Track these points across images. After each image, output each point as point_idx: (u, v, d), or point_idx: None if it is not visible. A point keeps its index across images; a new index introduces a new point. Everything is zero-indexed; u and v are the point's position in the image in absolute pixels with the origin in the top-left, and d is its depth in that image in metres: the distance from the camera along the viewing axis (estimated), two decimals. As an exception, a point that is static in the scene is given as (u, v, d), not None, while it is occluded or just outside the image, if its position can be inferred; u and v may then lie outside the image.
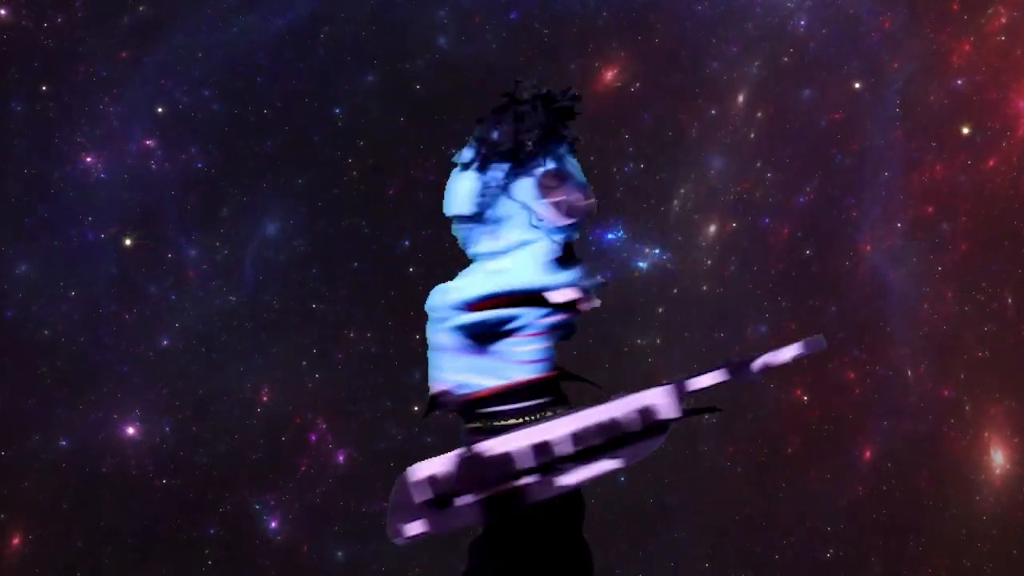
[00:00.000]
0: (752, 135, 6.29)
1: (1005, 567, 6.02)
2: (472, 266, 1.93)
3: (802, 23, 6.15)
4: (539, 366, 1.86)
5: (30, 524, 5.59)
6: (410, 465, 1.81)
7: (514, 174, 1.87)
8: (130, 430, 5.80)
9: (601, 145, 6.40)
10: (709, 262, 6.38)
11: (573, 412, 1.82)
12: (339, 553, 6.00)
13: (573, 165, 1.93)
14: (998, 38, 5.93)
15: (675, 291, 6.43)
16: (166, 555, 5.82)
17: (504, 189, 1.87)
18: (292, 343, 6.11)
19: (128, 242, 5.86)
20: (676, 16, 6.26)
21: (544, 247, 1.85)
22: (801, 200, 6.36)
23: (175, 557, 5.82)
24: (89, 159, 5.78)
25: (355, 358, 6.17)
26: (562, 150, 1.92)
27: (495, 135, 1.88)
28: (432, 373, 1.90)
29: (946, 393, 6.24)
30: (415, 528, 1.82)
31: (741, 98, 6.24)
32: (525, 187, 1.86)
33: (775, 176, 6.32)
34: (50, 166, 5.72)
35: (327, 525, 5.98)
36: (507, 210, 1.87)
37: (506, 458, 1.77)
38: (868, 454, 6.28)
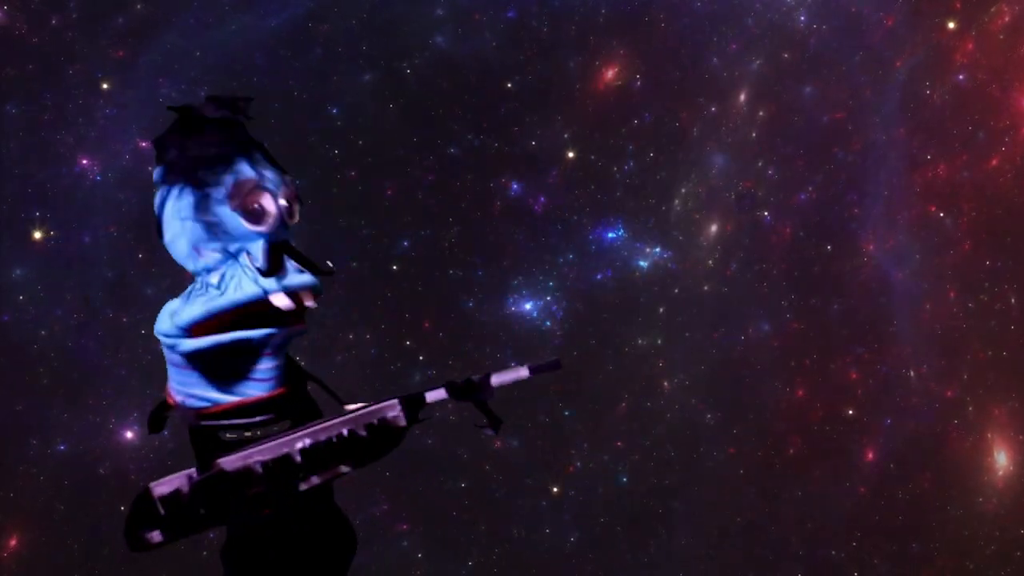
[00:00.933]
0: (753, 134, 6.30)
1: (1008, 568, 6.05)
2: (193, 284, 1.96)
3: (803, 20, 6.15)
4: (271, 383, 1.88)
5: (28, 527, 5.61)
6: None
7: (200, 191, 1.84)
8: (128, 434, 5.82)
9: (601, 144, 6.42)
10: (711, 261, 6.39)
11: (310, 426, 1.88)
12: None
13: (256, 170, 1.93)
14: (1000, 37, 5.95)
15: (676, 291, 6.45)
16: (164, 558, 5.85)
17: (197, 207, 1.86)
18: (291, 344, 6.11)
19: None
20: (676, 13, 6.27)
21: (252, 257, 1.84)
22: (803, 199, 6.37)
23: (173, 560, 5.85)
24: (85, 161, 5.79)
25: (354, 360, 6.20)
26: (241, 157, 1.92)
27: (173, 156, 1.85)
28: (169, 384, 1.90)
29: (949, 393, 6.27)
30: (155, 538, 1.87)
31: (742, 96, 6.25)
32: (215, 201, 1.84)
33: (777, 175, 6.33)
34: (46, 168, 5.73)
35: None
36: (206, 226, 1.85)
37: (244, 472, 1.83)
38: (870, 455, 6.30)
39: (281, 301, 1.81)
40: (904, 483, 6.23)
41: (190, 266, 1.87)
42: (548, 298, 6.47)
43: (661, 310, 6.44)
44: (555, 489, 6.35)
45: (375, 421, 1.88)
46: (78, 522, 5.65)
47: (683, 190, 6.42)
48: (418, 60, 6.26)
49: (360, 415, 1.88)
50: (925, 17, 6.02)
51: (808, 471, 6.26)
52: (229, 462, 1.82)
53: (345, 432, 1.86)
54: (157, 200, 1.87)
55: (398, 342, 6.24)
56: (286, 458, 1.83)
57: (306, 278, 1.86)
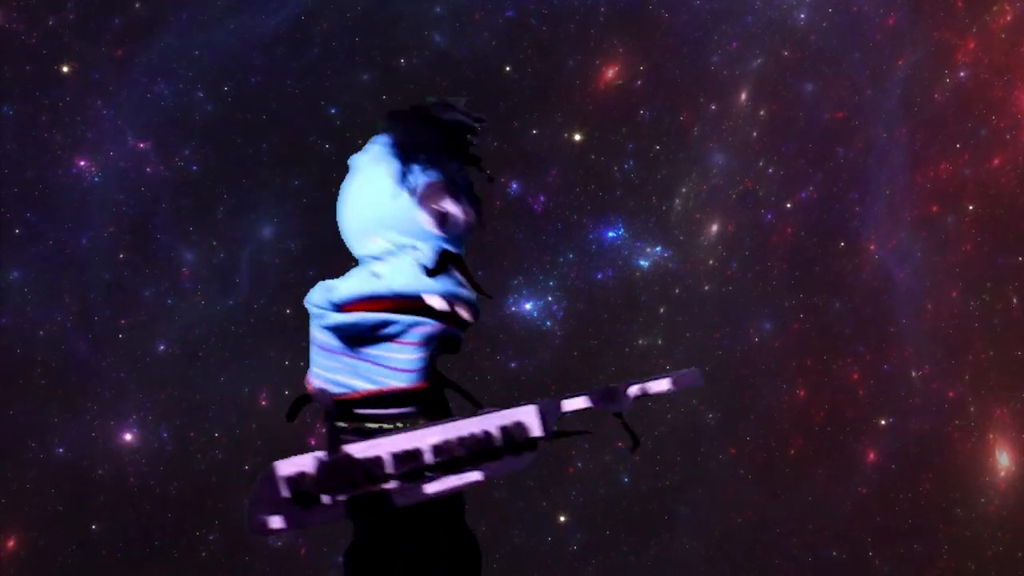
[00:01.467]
0: (755, 133, 6.32)
1: (1011, 570, 6.07)
2: (356, 267, 1.97)
3: (803, 18, 6.16)
4: (414, 375, 1.89)
5: (27, 532, 5.63)
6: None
7: (400, 179, 1.90)
8: (127, 436, 5.85)
9: (601, 142, 6.44)
10: (712, 261, 6.41)
11: (442, 423, 1.86)
12: (340, 559, 6.06)
13: (463, 181, 1.94)
14: (1002, 36, 5.97)
15: (677, 290, 6.47)
16: (165, 562, 5.87)
17: (388, 193, 1.90)
18: (290, 346, 6.15)
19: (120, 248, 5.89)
20: (676, 11, 6.28)
21: (421, 254, 1.89)
22: (805, 198, 6.39)
23: (174, 564, 5.88)
24: (82, 162, 5.80)
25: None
26: (454, 164, 1.93)
27: (399, 136, 1.92)
28: (311, 369, 1.92)
29: (951, 394, 6.29)
30: (276, 523, 1.84)
31: (743, 95, 6.27)
32: (408, 192, 1.90)
33: (778, 174, 6.35)
34: (42, 170, 5.74)
35: (328, 530, 6.03)
36: (388, 213, 1.91)
37: (373, 462, 1.82)
38: (872, 455, 6.33)
39: (436, 302, 1.84)
40: (906, 484, 6.25)
41: (357, 249, 1.94)
42: (548, 298, 6.49)
43: (662, 310, 6.46)
44: (556, 491, 6.38)
45: (509, 425, 1.84)
46: (78, 527, 5.67)
47: (684, 189, 6.43)
48: (416, 59, 6.27)
49: (493, 415, 1.85)
50: (926, 16, 6.04)
51: (810, 472, 6.29)
52: (358, 449, 1.82)
53: (478, 432, 1.83)
54: (353, 169, 1.94)
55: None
56: (416, 452, 1.82)
57: (465, 292, 1.89)
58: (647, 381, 1.92)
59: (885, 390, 6.34)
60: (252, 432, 6.01)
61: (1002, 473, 6.23)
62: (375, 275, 1.87)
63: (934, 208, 6.29)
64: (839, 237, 6.40)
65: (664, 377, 1.91)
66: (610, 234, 6.52)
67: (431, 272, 1.87)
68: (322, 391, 1.88)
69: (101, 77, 5.77)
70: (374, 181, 1.93)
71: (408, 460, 1.81)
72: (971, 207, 6.23)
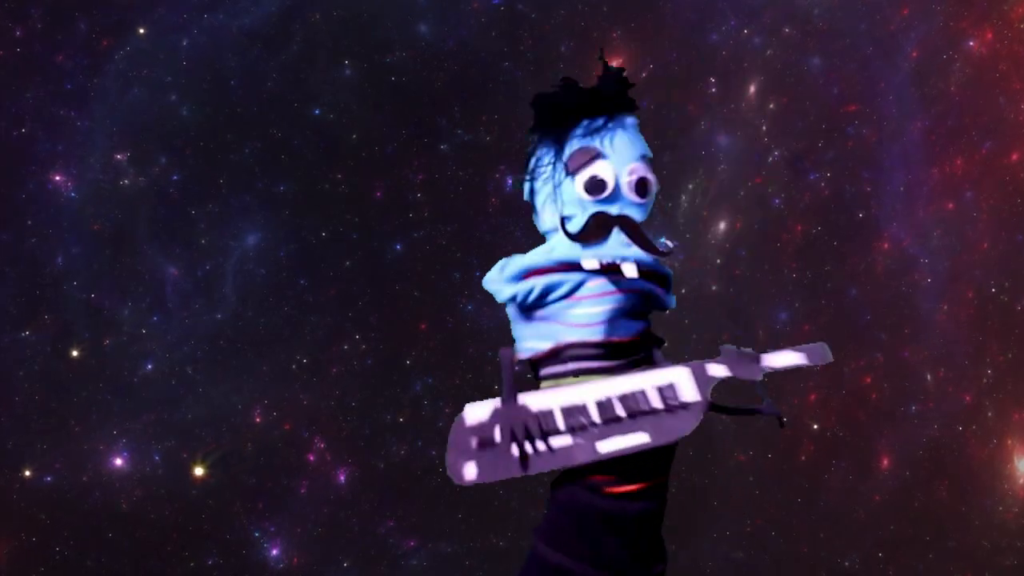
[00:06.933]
0: (764, 127, 6.28)
1: (1029, 581, 6.16)
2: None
3: (817, 11, 6.10)
4: (594, 329, 2.01)
5: (16, 567, 5.68)
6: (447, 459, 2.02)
7: (552, 157, 2.07)
8: (117, 461, 5.88)
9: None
10: (719, 260, 6.41)
11: (606, 379, 1.99)
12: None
13: (603, 141, 2.05)
14: (1021, 26, 5.90)
15: (683, 290, 6.48)
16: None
17: (542, 172, 2.08)
18: (283, 359, 6.17)
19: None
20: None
21: (576, 223, 2.02)
22: (815, 195, 6.38)
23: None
24: (57, 177, 5.76)
25: (350, 371, 6.24)
26: (597, 126, 2.07)
27: (543, 121, 2.10)
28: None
29: (968, 398, 6.33)
30: (470, 472, 1.98)
31: (752, 88, 6.22)
32: (560, 167, 2.06)
33: (788, 171, 6.32)
34: (15, 186, 5.70)
35: (331, 549, 6.11)
36: (547, 191, 2.07)
37: (545, 414, 1.97)
38: (885, 461, 6.39)
39: (591, 264, 1.99)
40: (920, 491, 6.32)
41: (539, 227, 2.15)
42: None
43: (667, 311, 6.46)
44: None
45: (663, 385, 1.98)
46: (71, 560, 5.72)
47: (690, 186, 6.41)
48: (402, 53, 6.20)
49: (648, 374, 2.00)
50: (942, 5, 5.96)
51: (820, 478, 6.36)
52: (526, 402, 1.98)
53: (636, 390, 1.97)
54: (529, 163, 2.14)
55: (395, 350, 6.27)
56: (582, 408, 1.97)
57: (625, 251, 2.02)
58: (777, 352, 2.10)
59: (899, 394, 6.38)
60: (247, 451, 6.05)
61: (1021, 480, 6.29)
62: (549, 248, 2.04)
63: (950, 206, 6.28)
64: (851, 236, 6.40)
65: (793, 351, 2.09)
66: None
67: (577, 237, 1.99)
68: (504, 352, 2.04)
69: (73, 87, 5.70)
70: (537, 168, 2.11)
71: (574, 414, 1.95)
72: (988, 204, 6.23)
